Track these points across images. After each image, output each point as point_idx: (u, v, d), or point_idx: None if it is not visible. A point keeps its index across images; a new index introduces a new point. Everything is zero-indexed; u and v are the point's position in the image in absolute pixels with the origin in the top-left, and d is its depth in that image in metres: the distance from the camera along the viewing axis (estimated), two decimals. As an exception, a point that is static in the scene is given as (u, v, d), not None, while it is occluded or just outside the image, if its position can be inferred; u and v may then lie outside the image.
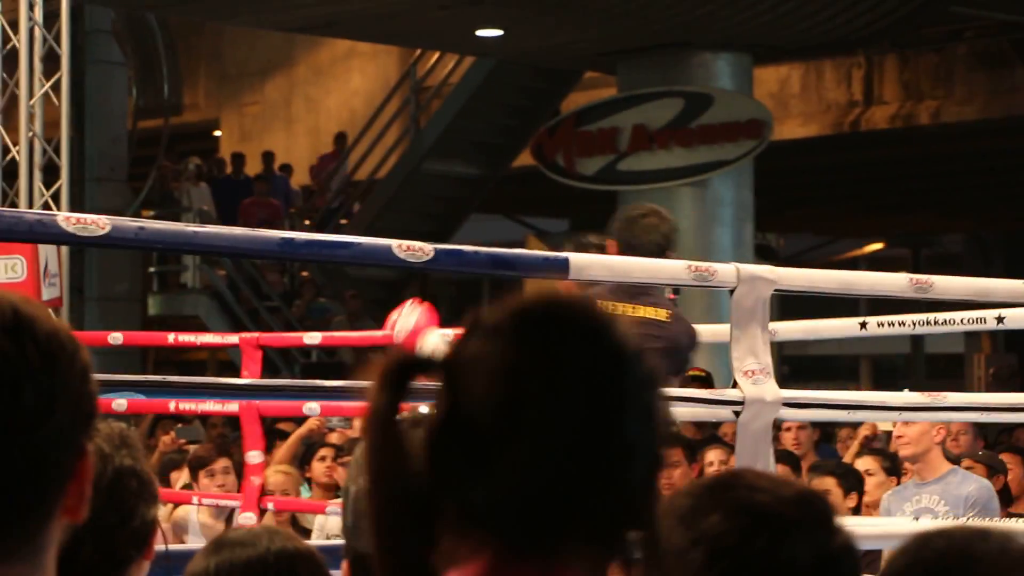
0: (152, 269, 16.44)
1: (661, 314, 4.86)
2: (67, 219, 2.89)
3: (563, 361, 1.26)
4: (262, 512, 5.87)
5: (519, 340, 1.26)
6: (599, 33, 14.01)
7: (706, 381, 7.04)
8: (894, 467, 6.47)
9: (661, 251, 4.80)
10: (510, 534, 1.25)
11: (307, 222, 16.99)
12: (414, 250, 3.46)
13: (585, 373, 1.26)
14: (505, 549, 1.25)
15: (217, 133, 21.37)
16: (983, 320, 4.70)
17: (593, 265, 3.75)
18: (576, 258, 3.67)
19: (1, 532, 1.22)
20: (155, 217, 15.74)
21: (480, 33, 14.25)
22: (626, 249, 4.83)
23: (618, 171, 14.84)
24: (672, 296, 5.05)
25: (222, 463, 6.70)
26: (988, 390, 16.38)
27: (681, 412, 4.02)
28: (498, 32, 14.17)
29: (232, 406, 5.81)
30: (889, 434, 7.05)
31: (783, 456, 6.40)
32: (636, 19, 13.46)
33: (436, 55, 17.36)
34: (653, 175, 14.54)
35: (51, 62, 9.87)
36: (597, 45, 14.49)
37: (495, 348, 1.25)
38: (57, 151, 9.80)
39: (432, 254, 3.48)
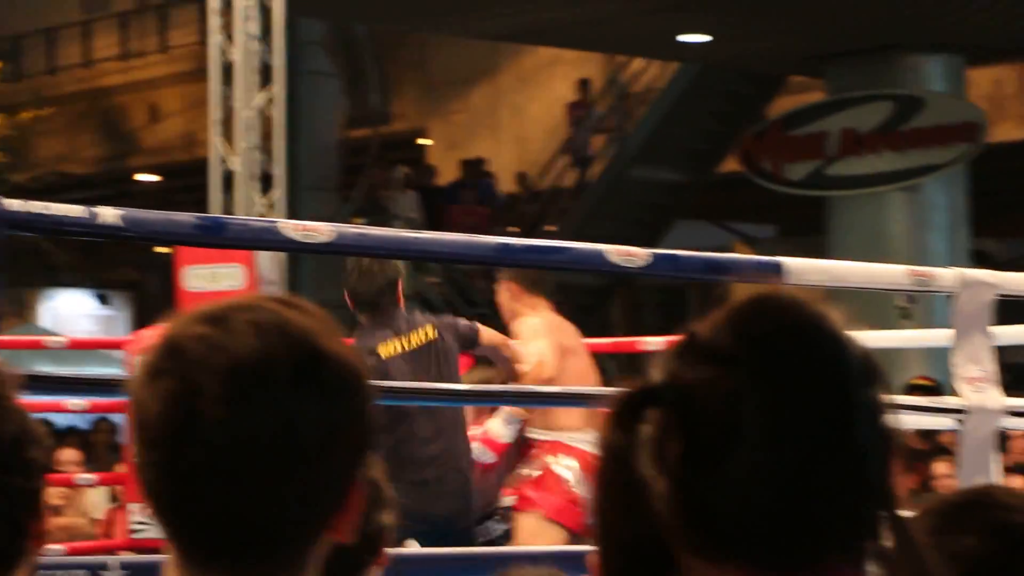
0: (362, 276, 16.69)
1: (430, 332, 5.17)
2: (292, 227, 2.95)
3: (783, 376, 1.23)
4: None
5: (741, 356, 1.23)
6: (806, 36, 13.84)
7: (933, 390, 6.89)
8: None
9: (383, 292, 5.13)
10: (766, 555, 1.22)
11: (512, 228, 17.09)
12: (629, 255, 3.46)
13: (808, 384, 1.23)
14: (765, 571, 1.22)
15: (424, 141, 21.64)
16: None
17: (808, 269, 3.70)
18: (790, 262, 3.63)
19: (276, 552, 1.26)
20: (365, 224, 16.00)
21: (685, 38, 14.18)
22: (352, 296, 5.28)
23: (826, 176, 14.64)
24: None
25: None
26: None
27: (902, 421, 3.93)
28: (703, 37, 14.09)
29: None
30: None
31: (1013, 466, 6.23)
32: (845, 21, 13.26)
33: (641, 61, 17.33)
34: (863, 180, 14.31)
35: (265, 74, 10.10)
36: (804, 48, 14.31)
37: (719, 368, 1.23)
38: (272, 161, 10.03)
39: (647, 259, 3.47)
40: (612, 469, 1.24)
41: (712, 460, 1.21)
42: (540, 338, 5.53)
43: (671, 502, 1.22)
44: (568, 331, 5.76)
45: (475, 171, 17.76)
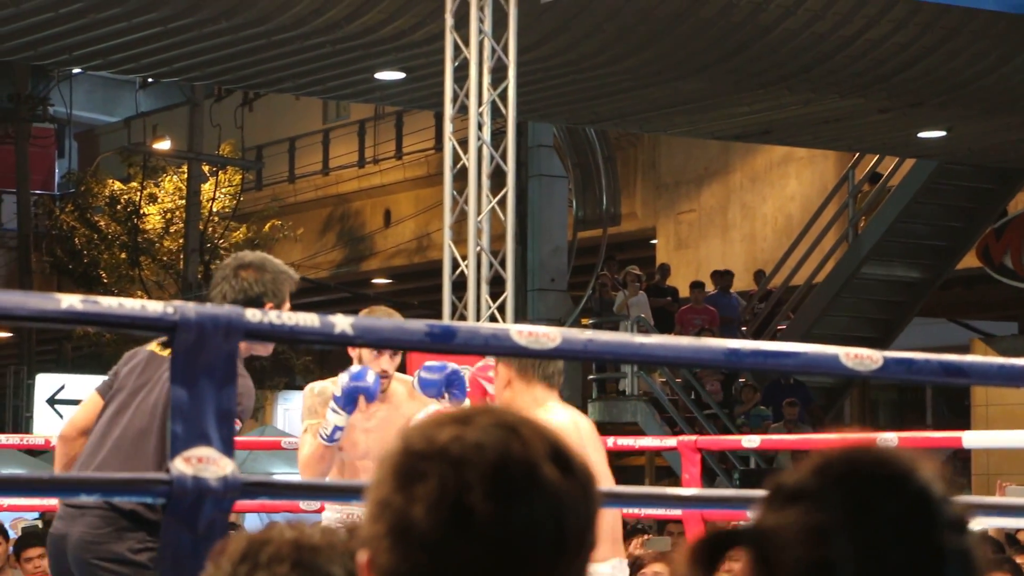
0: (592, 377, 16.72)
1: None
2: (520, 332, 2.96)
3: (872, 518, 1.20)
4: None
5: (824, 502, 1.21)
6: (1047, 129, 13.52)
7: None
8: None
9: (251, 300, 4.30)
10: None
11: (743, 328, 16.94)
12: (862, 358, 3.38)
13: (897, 528, 1.20)
14: None
15: (653, 242, 21.67)
16: None
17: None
18: (1034, 365, 3.50)
19: None
20: (594, 325, 16.03)
21: (922, 134, 13.96)
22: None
23: (1071, 272, 14.22)
24: None
25: (654, 569, 6.67)
26: None
27: None
28: (941, 133, 13.85)
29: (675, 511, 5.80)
30: None
31: None
32: (1087, 113, 12.92)
33: (875, 158, 17.11)
34: (1109, 275, 13.86)
35: (497, 178, 10.24)
36: (1045, 142, 13.98)
37: (801, 513, 1.21)
38: (503, 264, 10.13)
39: (880, 363, 3.39)
40: None
41: None
42: None
43: None
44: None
45: (721, 283, 17.38)
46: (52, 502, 5.45)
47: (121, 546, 4.10)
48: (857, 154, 17.28)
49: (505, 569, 1.23)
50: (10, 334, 26.22)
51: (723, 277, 17.19)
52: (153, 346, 4.44)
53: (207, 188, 22.97)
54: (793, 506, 1.21)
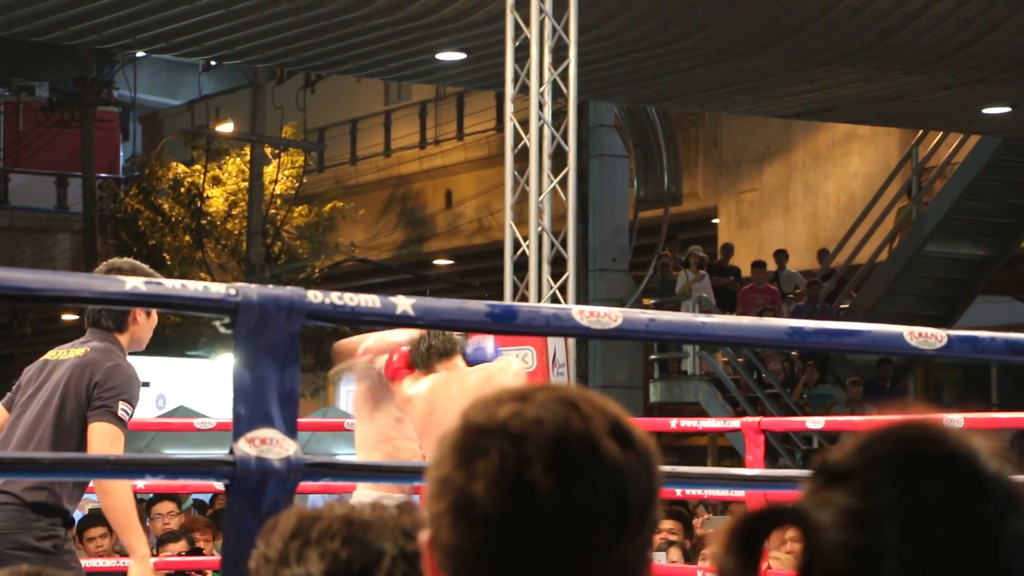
0: (653, 356, 16.69)
1: (78, 352, 4.70)
2: (581, 313, 2.96)
3: (920, 499, 1.16)
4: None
5: (869, 482, 1.17)
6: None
7: None
8: None
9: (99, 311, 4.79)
10: None
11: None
12: (927, 337, 3.35)
13: (947, 509, 1.16)
14: None
15: (715, 221, 21.58)
16: None
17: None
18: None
19: None
20: (655, 305, 15.99)
21: (987, 111, 13.82)
22: None
23: None
24: None
25: None
26: None
27: None
28: (1006, 109, 13.71)
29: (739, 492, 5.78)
30: None
31: None
32: None
33: (938, 135, 16.96)
34: None
35: (558, 158, 10.22)
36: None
37: (845, 494, 1.17)
38: (564, 244, 10.12)
39: (945, 341, 3.36)
40: None
41: None
42: None
43: None
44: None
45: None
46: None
47: (28, 536, 4.54)
48: (920, 131, 17.14)
49: (567, 544, 1.23)
50: (76, 316, 26.47)
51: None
52: (49, 354, 4.80)
53: (270, 170, 23.08)
54: (837, 487, 1.18)
